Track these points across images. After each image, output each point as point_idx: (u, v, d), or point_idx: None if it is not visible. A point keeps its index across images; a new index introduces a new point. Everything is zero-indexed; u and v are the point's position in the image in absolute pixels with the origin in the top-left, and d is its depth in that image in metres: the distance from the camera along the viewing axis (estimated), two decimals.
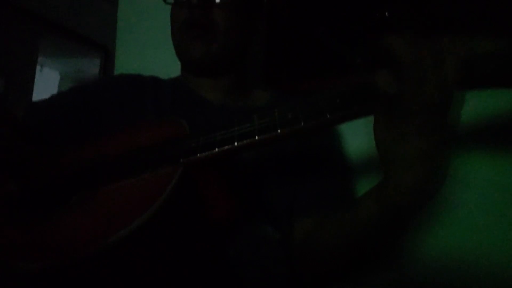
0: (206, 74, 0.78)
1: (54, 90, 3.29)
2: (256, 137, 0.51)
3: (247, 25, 0.78)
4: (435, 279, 0.74)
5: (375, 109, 0.47)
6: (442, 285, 0.74)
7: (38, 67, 2.92)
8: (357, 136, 0.82)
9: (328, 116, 0.49)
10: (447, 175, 0.47)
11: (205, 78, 0.78)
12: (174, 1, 0.75)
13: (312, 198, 0.68)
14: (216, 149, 0.52)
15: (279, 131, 0.50)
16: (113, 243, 0.44)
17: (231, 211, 0.55)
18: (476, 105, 0.69)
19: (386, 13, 0.92)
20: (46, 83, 3.24)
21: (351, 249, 0.57)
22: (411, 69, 0.42)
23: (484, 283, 0.71)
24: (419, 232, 0.76)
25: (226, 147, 0.52)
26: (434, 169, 0.45)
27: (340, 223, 0.58)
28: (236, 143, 0.52)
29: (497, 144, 0.74)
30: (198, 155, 0.53)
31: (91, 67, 3.29)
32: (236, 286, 0.60)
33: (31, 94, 2.74)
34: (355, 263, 0.61)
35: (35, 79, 2.83)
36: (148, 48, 1.16)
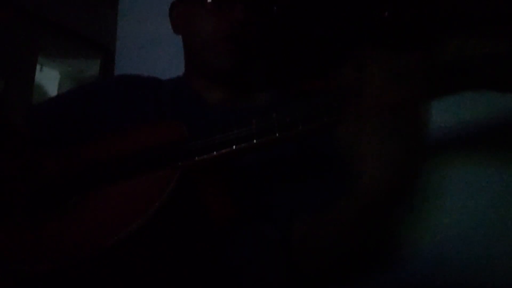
0: (224, 83, 0.78)
1: (54, 90, 3.29)
2: (254, 141, 0.51)
3: None
4: (432, 280, 0.74)
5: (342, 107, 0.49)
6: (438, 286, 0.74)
7: (38, 67, 2.92)
8: None
9: (326, 119, 0.49)
10: (418, 172, 0.48)
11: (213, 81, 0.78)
12: (214, 12, 0.73)
13: (312, 199, 0.68)
14: (215, 152, 0.52)
15: (277, 134, 0.50)
16: (112, 245, 0.44)
17: (230, 213, 0.55)
18: (464, 108, 0.70)
19: (386, 13, 0.92)
20: (46, 83, 3.24)
21: (341, 247, 0.58)
22: (375, 77, 0.46)
23: (479, 284, 0.72)
24: (416, 232, 0.76)
25: (224, 150, 0.52)
26: (402, 166, 0.46)
27: (327, 224, 0.59)
28: (234, 147, 0.52)
29: (490, 144, 0.74)
30: (197, 158, 0.53)
31: (91, 67, 3.29)
32: (236, 286, 0.60)
33: (31, 94, 2.74)
34: (350, 261, 0.62)
35: (35, 79, 2.83)
36: (148, 48, 1.16)
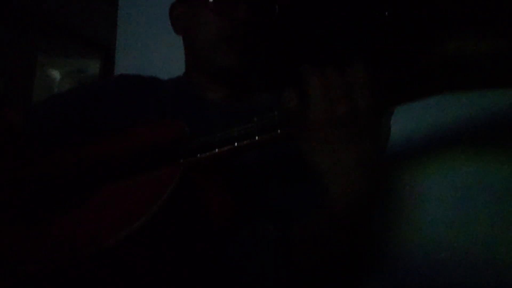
0: (226, 82, 0.78)
1: (54, 90, 3.28)
2: (256, 138, 0.51)
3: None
4: (430, 281, 0.74)
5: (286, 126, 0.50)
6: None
7: (38, 67, 2.92)
8: None
9: None
10: (383, 180, 0.50)
11: (214, 81, 0.78)
12: (216, 11, 0.73)
13: (312, 199, 0.68)
14: (216, 150, 0.52)
15: (279, 131, 0.50)
16: (113, 244, 0.44)
17: (231, 211, 0.55)
18: (458, 105, 0.70)
19: (386, 13, 0.92)
20: (46, 83, 3.23)
21: (334, 248, 0.59)
22: (318, 94, 0.47)
23: (478, 283, 0.72)
24: (413, 234, 0.76)
25: (226, 147, 0.52)
26: (364, 181, 0.48)
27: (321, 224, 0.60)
28: (236, 144, 0.52)
29: (503, 145, 0.74)
30: (198, 155, 0.53)
31: (91, 67, 3.29)
32: (236, 286, 0.60)
33: (31, 94, 2.74)
34: (347, 262, 0.62)
35: (35, 79, 2.83)
36: (148, 48, 1.16)
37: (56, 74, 3.43)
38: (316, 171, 0.50)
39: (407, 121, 0.75)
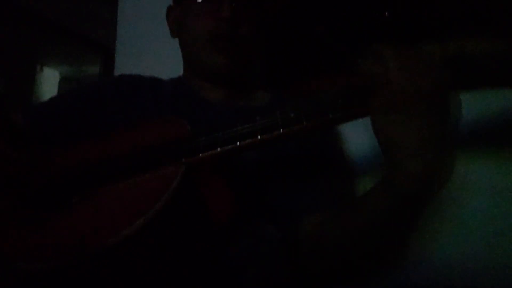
0: (222, 83, 0.78)
1: (54, 90, 3.28)
2: (259, 137, 0.51)
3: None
4: (440, 283, 0.74)
5: (370, 99, 0.48)
6: None
7: (38, 67, 2.92)
8: (359, 136, 0.83)
9: (331, 116, 0.49)
10: (454, 164, 0.47)
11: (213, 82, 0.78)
12: (202, 12, 0.73)
13: (316, 197, 0.68)
14: (219, 149, 0.52)
15: (281, 130, 0.50)
16: (114, 243, 0.44)
17: (233, 210, 0.55)
18: (482, 107, 0.70)
19: (386, 13, 0.92)
20: (46, 83, 3.24)
21: (358, 246, 0.57)
22: (399, 68, 0.45)
23: (478, 283, 0.71)
24: (425, 235, 0.76)
25: (228, 146, 0.52)
26: (441, 155, 0.45)
27: (347, 219, 0.58)
28: (238, 143, 0.52)
29: (504, 146, 0.74)
30: (201, 154, 0.53)
31: (91, 67, 3.29)
32: (236, 286, 0.60)
33: (31, 94, 2.75)
34: (361, 263, 0.61)
35: (35, 79, 2.83)
36: (148, 48, 1.16)
37: (56, 74, 3.43)
38: (391, 146, 0.47)
39: None
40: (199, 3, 0.73)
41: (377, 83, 0.46)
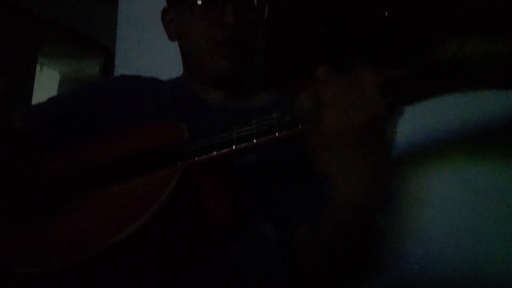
0: (223, 86, 0.78)
1: (54, 90, 3.28)
2: (254, 140, 0.51)
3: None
4: (430, 282, 0.74)
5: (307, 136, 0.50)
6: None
7: (38, 67, 2.92)
8: None
9: None
10: (391, 189, 0.50)
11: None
12: (204, 18, 0.72)
13: (312, 201, 0.68)
14: (214, 152, 0.52)
15: (277, 134, 0.51)
16: (110, 246, 0.44)
17: (230, 213, 0.55)
18: (459, 106, 0.70)
19: (386, 13, 0.92)
20: (46, 83, 3.23)
21: (336, 248, 0.59)
22: (332, 102, 0.47)
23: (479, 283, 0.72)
24: (414, 236, 0.76)
25: (224, 150, 0.52)
26: (374, 183, 0.48)
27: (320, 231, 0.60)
28: (234, 146, 0.52)
29: (495, 144, 0.74)
30: (197, 158, 0.53)
31: (91, 67, 3.29)
32: (236, 286, 0.60)
33: (31, 94, 2.74)
34: (347, 267, 0.62)
35: (35, 79, 2.83)
36: (148, 48, 1.16)
37: (56, 74, 3.43)
38: (324, 175, 0.50)
39: (408, 122, 0.76)
40: (199, 9, 0.72)
41: (312, 123, 0.48)
